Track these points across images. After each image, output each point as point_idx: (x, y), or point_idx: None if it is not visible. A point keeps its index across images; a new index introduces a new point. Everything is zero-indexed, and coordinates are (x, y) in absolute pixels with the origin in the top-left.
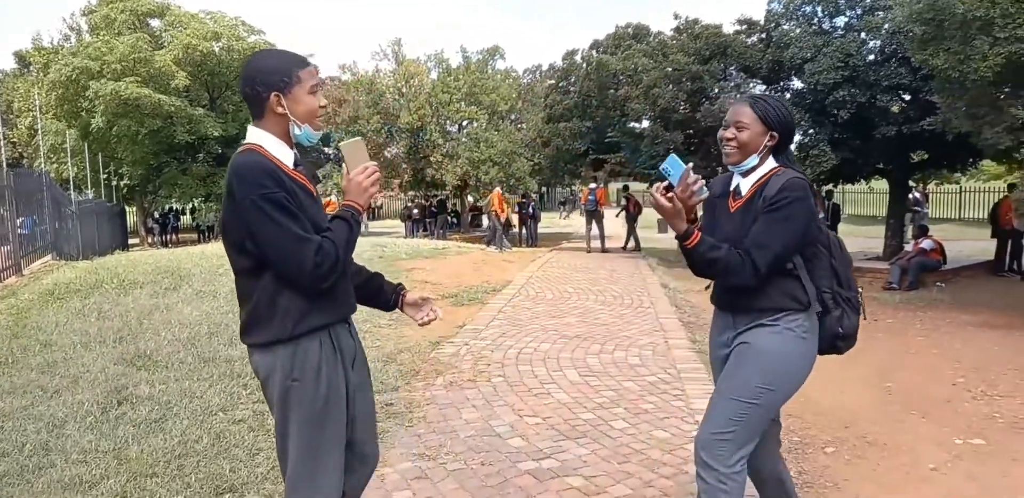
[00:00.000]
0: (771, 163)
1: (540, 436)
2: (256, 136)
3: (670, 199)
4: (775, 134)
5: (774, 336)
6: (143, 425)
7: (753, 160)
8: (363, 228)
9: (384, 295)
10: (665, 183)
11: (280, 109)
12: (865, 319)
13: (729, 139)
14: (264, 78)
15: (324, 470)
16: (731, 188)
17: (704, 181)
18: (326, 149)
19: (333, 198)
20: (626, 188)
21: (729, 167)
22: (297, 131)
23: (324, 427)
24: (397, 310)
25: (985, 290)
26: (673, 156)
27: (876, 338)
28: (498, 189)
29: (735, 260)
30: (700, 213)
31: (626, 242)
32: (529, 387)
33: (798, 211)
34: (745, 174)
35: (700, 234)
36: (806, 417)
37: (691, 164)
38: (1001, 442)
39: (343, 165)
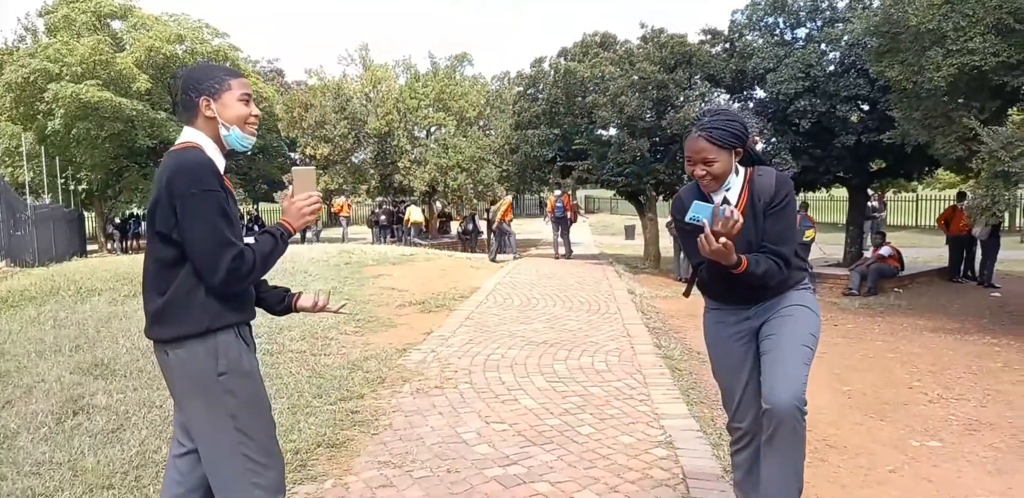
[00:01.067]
0: (741, 169)
1: (507, 443)
2: (193, 136)
3: (721, 243)
4: (738, 149)
5: (804, 294)
6: (99, 436)
7: (732, 179)
8: (317, 235)
9: (274, 297)
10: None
11: (209, 112)
12: None
13: (702, 176)
14: (195, 84)
15: (276, 450)
16: (718, 200)
17: (733, 208)
18: (292, 154)
19: (343, 200)
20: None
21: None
22: (225, 132)
23: (264, 411)
24: (291, 312)
25: (940, 296)
26: (697, 203)
27: (835, 343)
28: (509, 197)
29: (774, 266)
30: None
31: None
32: (496, 393)
33: (793, 202)
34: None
35: (745, 257)
36: None
37: (718, 198)
38: (956, 444)
39: (290, 187)
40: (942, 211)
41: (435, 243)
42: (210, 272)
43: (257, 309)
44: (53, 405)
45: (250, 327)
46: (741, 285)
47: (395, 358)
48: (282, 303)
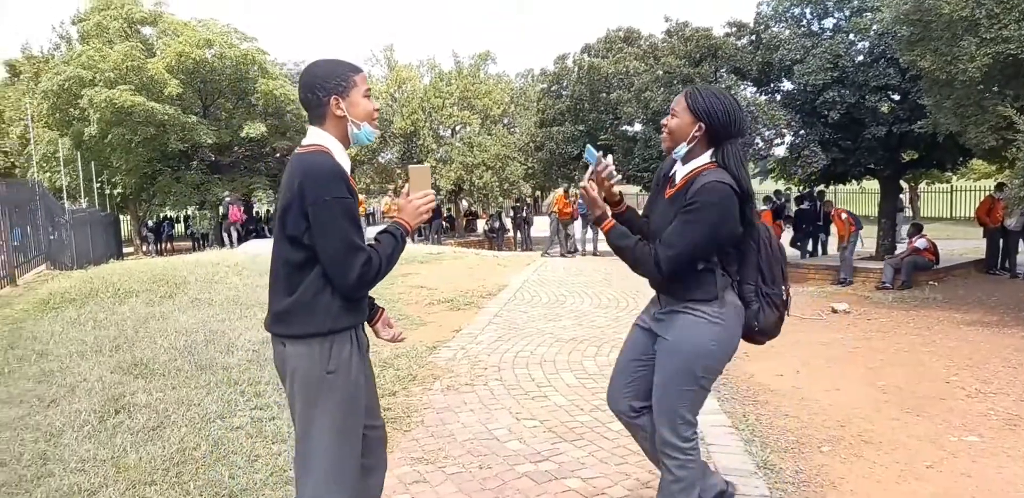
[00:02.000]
0: (705, 158)
1: (538, 439)
2: (321, 138)
3: (588, 185)
4: (702, 125)
5: (688, 326)
6: (141, 433)
7: (683, 148)
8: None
9: (370, 309)
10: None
11: (339, 111)
12: (789, 315)
13: (663, 125)
14: (322, 83)
15: (352, 453)
16: (671, 173)
17: (613, 167)
18: None
19: (387, 200)
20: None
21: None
22: (356, 130)
23: (355, 413)
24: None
25: (976, 289)
26: (588, 147)
27: (870, 337)
28: (561, 190)
29: (642, 252)
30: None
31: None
32: (526, 390)
33: (708, 215)
34: (684, 161)
35: (614, 221)
36: (802, 416)
37: (602, 152)
38: (995, 439)
39: (405, 186)
40: (978, 202)
41: (462, 241)
42: (341, 277)
43: None
44: (95, 404)
45: (363, 326)
46: (617, 254)
47: (425, 356)
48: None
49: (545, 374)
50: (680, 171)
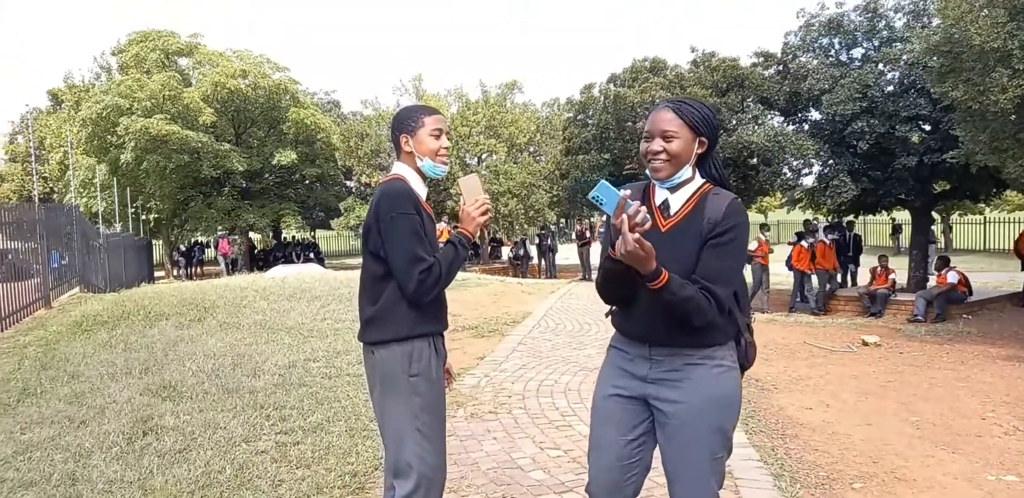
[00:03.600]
0: (697, 176)
1: (562, 469)
2: (399, 169)
3: (635, 240)
4: (704, 139)
5: (711, 380)
6: (167, 455)
7: (686, 172)
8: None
9: None
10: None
11: (407, 147)
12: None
13: (657, 152)
14: (398, 124)
15: (443, 450)
16: (657, 203)
17: (644, 209)
18: (348, 182)
19: (443, 225)
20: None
21: (656, 183)
22: (420, 163)
23: (442, 417)
24: None
25: (1013, 322)
26: (604, 183)
27: (902, 371)
28: (763, 235)
29: (702, 299)
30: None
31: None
32: (550, 419)
33: (743, 238)
34: (674, 189)
35: (668, 273)
36: (832, 452)
37: (627, 191)
38: None
39: (461, 197)
40: (1015, 234)
41: (487, 268)
42: (404, 283)
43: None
44: (124, 425)
45: (443, 337)
46: (653, 308)
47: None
48: (446, 324)
49: (569, 403)
50: (675, 198)
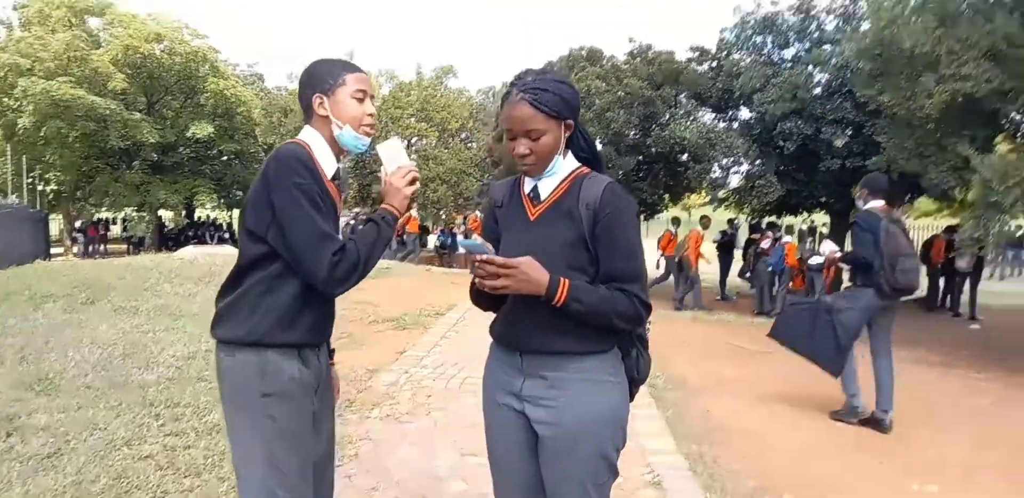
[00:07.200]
0: (571, 158)
1: (483, 479)
2: (305, 135)
3: (506, 273)
4: (570, 122)
5: (589, 398)
6: (32, 461)
7: (557, 161)
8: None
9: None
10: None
11: (322, 110)
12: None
13: (525, 155)
14: (311, 80)
15: (303, 488)
16: (526, 191)
17: (494, 260)
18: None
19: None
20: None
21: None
22: (338, 131)
23: (303, 445)
24: None
25: (919, 327)
26: (466, 242)
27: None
28: (698, 228)
29: (620, 299)
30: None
31: None
32: (473, 422)
33: (631, 219)
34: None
35: (567, 280)
36: (761, 459)
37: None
38: (955, 488)
39: (381, 168)
40: (922, 239)
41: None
42: (312, 269)
43: None
44: None
45: (319, 350)
46: (525, 306)
47: (365, 380)
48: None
49: None
50: (544, 184)
